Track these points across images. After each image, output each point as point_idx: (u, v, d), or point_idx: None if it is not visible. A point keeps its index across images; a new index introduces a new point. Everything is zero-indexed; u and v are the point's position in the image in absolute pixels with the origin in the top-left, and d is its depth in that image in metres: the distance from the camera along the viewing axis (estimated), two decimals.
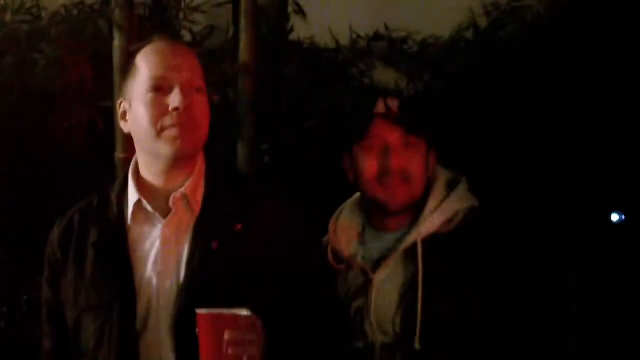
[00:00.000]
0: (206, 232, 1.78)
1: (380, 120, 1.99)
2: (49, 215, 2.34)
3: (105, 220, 1.87)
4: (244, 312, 1.62)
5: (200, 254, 1.77)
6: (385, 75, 2.91)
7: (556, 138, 2.68)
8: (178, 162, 1.81)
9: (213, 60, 2.74)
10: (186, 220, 1.81)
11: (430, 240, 1.96)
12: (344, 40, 2.95)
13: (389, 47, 2.95)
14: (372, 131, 2.00)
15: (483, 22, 2.92)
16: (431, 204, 2.00)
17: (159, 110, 1.77)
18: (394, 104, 2.00)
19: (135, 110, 1.82)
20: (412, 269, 1.95)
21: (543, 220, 2.56)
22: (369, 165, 2.00)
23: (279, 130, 2.71)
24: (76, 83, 2.79)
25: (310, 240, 1.89)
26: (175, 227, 1.81)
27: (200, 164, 1.86)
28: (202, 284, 1.74)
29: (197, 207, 1.81)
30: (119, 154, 2.58)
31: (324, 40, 2.94)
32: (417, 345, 1.89)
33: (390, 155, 1.97)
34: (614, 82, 2.66)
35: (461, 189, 2.04)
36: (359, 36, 2.95)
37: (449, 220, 1.98)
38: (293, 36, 2.89)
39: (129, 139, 2.50)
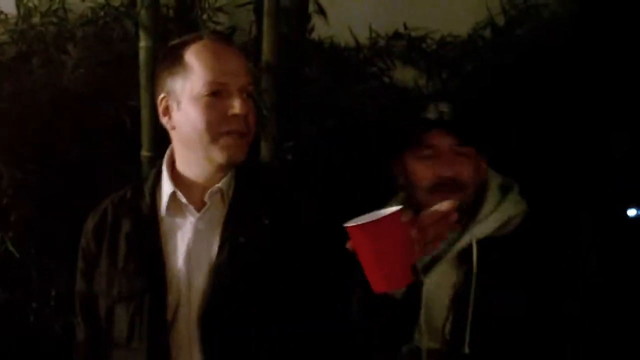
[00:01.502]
0: (236, 226, 1.81)
1: (432, 126, 1.97)
2: (77, 212, 2.41)
3: (138, 212, 1.88)
4: (394, 208, 1.53)
5: (230, 248, 1.79)
6: (404, 74, 2.95)
7: (574, 136, 2.69)
8: (228, 169, 1.82)
9: None
10: (220, 214, 1.84)
11: (485, 243, 1.93)
12: (364, 40, 2.98)
13: (407, 45, 2.97)
14: (425, 138, 1.99)
15: (500, 21, 2.94)
16: (486, 207, 1.98)
17: (217, 114, 1.76)
18: (446, 110, 1.99)
19: (186, 110, 1.80)
20: (464, 271, 1.93)
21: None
22: (422, 173, 1.99)
23: (301, 128, 2.74)
24: (103, 83, 2.84)
25: (335, 234, 1.91)
26: (208, 220, 1.83)
27: None
28: (230, 278, 1.76)
29: (229, 201, 1.84)
30: (145, 152, 2.62)
31: (344, 39, 2.96)
32: (466, 350, 1.87)
33: (444, 164, 1.96)
34: (631, 80, 2.67)
35: (514, 193, 2.02)
36: (378, 35, 2.98)
37: (504, 224, 1.96)
38: (314, 36, 2.92)
39: (155, 138, 2.61)
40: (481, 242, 1.93)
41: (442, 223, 1.53)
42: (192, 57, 1.81)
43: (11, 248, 2.58)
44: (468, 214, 1.98)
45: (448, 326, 1.91)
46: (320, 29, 2.92)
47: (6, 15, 2.88)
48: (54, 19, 2.91)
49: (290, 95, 2.71)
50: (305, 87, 2.78)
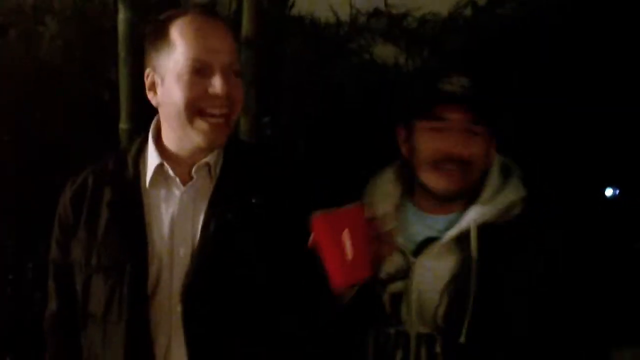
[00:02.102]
0: (222, 202, 1.79)
1: (448, 99, 1.83)
2: (54, 183, 2.38)
3: (121, 182, 1.85)
4: (360, 203, 1.56)
5: (216, 223, 1.78)
6: (384, 51, 2.95)
7: (557, 117, 2.70)
8: (207, 151, 1.78)
9: None
10: (205, 188, 1.82)
11: (485, 229, 1.84)
12: (344, 16, 2.97)
13: (388, 23, 2.97)
14: (438, 110, 1.84)
15: (481, 0, 2.95)
16: (487, 191, 1.88)
17: (197, 93, 1.72)
18: (467, 85, 1.84)
19: (168, 87, 1.76)
20: (462, 257, 1.84)
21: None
22: (429, 145, 1.85)
23: (280, 103, 2.74)
24: (81, 56, 2.82)
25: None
26: (194, 194, 1.81)
27: None
28: (215, 253, 1.74)
29: (216, 176, 1.82)
30: (123, 125, 2.61)
31: (325, 16, 2.95)
32: (462, 339, 1.79)
33: (455, 139, 1.83)
34: (615, 59, 2.68)
35: (515, 178, 1.92)
36: (358, 12, 2.97)
37: (505, 210, 1.86)
38: (294, 11, 2.90)
39: (133, 111, 2.60)
40: (481, 228, 1.84)
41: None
42: (177, 32, 1.77)
43: None
44: (467, 196, 1.88)
45: (441, 311, 1.83)
46: (300, 5, 2.92)
47: None
48: None
49: (269, 70, 2.70)
50: (284, 62, 2.76)
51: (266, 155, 1.93)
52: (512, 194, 1.88)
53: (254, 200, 1.78)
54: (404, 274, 1.87)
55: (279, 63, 2.75)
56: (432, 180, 1.85)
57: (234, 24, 2.72)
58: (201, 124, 1.74)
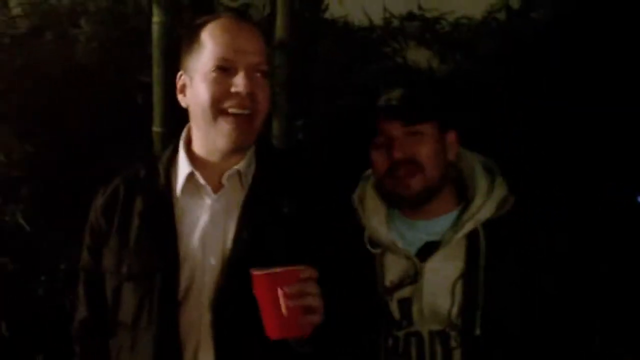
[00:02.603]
0: (254, 211, 1.79)
1: (383, 114, 1.96)
2: (87, 186, 2.39)
3: (152, 190, 1.85)
4: (303, 267, 1.62)
5: (248, 232, 1.77)
6: (417, 55, 2.93)
7: (586, 121, 2.68)
8: (232, 154, 1.80)
9: None
10: (237, 196, 1.81)
11: (488, 226, 1.93)
12: (378, 20, 2.96)
13: (421, 26, 2.95)
14: (379, 126, 1.97)
15: (515, 4, 2.92)
16: (480, 191, 1.97)
17: (220, 90, 1.74)
18: (395, 96, 1.97)
19: (196, 86, 1.78)
20: (467, 255, 1.92)
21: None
22: (377, 159, 1.98)
23: (313, 106, 2.74)
24: (115, 58, 2.84)
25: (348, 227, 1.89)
26: (225, 202, 1.81)
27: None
28: (247, 262, 1.73)
29: (248, 184, 1.82)
30: (156, 128, 2.62)
31: (358, 19, 2.95)
32: (477, 331, 1.87)
33: (393, 147, 1.94)
34: None
35: (499, 175, 2.01)
36: (392, 15, 2.96)
37: (501, 205, 1.96)
38: (327, 14, 2.90)
39: (167, 114, 2.61)
40: (484, 225, 1.93)
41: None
42: (206, 34, 1.80)
43: (21, 221, 2.58)
44: (463, 198, 1.98)
45: (455, 309, 1.90)
46: (334, 8, 2.91)
47: None
48: None
49: (302, 74, 2.69)
50: (318, 66, 2.76)
51: (299, 161, 1.93)
52: (502, 189, 1.97)
53: (286, 209, 1.78)
54: (412, 279, 1.94)
55: (311, 66, 2.74)
56: (394, 187, 1.96)
57: (267, 28, 2.73)
58: (224, 124, 1.74)
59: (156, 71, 2.62)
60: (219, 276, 1.75)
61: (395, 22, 2.96)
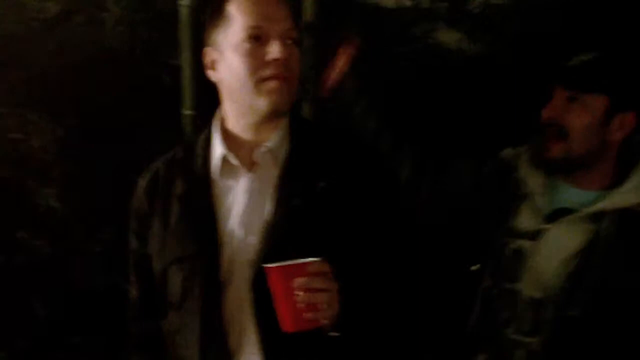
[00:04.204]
0: (289, 188, 1.78)
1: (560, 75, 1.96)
2: (118, 168, 2.41)
3: (190, 173, 1.85)
4: (313, 261, 1.63)
5: (283, 209, 1.77)
6: (448, 37, 2.90)
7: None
8: (272, 117, 1.80)
9: None
10: (271, 174, 1.81)
11: (622, 213, 1.88)
12: (407, 1, 2.93)
13: (451, 7, 2.92)
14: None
15: None
16: (634, 179, 1.91)
17: (257, 60, 1.73)
18: (575, 60, 1.96)
19: (229, 60, 1.77)
20: (592, 233, 1.88)
21: None
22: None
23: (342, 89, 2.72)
24: (143, 41, 2.84)
25: (396, 202, 1.87)
26: (260, 181, 1.81)
27: (286, 118, 1.84)
28: (283, 240, 1.74)
29: (282, 161, 1.82)
30: (186, 111, 2.62)
31: (387, 1, 2.92)
32: (576, 312, 1.85)
33: (547, 107, 1.95)
34: None
35: None
36: None
37: None
38: None
39: (196, 96, 2.61)
40: (620, 212, 1.88)
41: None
42: (234, 6, 1.78)
43: (54, 203, 2.59)
44: (610, 176, 1.94)
45: (560, 280, 1.87)
46: None
47: None
48: None
49: (331, 56, 2.67)
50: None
51: (336, 137, 1.91)
52: None
53: (321, 185, 1.77)
54: (533, 236, 1.92)
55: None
56: (541, 150, 1.96)
57: (296, 10, 2.71)
58: (266, 86, 1.74)
59: (184, 53, 2.62)
60: (258, 255, 1.75)
61: (425, 3, 2.93)
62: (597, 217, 1.88)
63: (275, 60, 1.72)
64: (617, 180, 1.93)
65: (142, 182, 1.92)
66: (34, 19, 2.82)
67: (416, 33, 2.89)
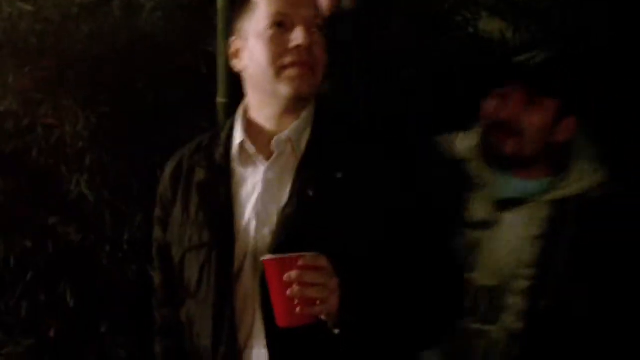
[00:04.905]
0: (307, 178, 1.75)
1: (516, 72, 2.05)
2: (151, 157, 2.39)
3: (211, 161, 1.85)
4: (307, 254, 1.60)
5: (299, 200, 1.74)
6: (490, 25, 2.82)
7: None
8: (294, 104, 1.76)
9: None
10: (290, 164, 1.78)
11: (577, 199, 1.98)
12: None
13: None
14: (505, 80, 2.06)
15: None
16: (582, 167, 2.00)
17: (279, 47, 1.71)
18: (535, 59, 2.04)
19: (252, 47, 1.75)
20: (550, 221, 1.97)
21: None
22: (486, 112, 2.07)
23: (379, 80, 2.66)
24: (180, 28, 2.81)
25: (415, 195, 1.83)
26: (278, 170, 1.78)
27: (309, 108, 1.81)
28: (297, 232, 1.71)
29: (301, 152, 1.78)
30: (220, 99, 2.59)
31: None
32: (545, 299, 1.93)
33: (503, 107, 2.02)
34: None
35: (603, 164, 2.04)
36: None
37: (594, 188, 1.99)
38: None
39: (231, 85, 2.57)
40: (574, 198, 1.98)
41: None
42: None
43: (85, 190, 2.59)
44: (559, 171, 2.02)
45: (516, 267, 1.94)
46: None
47: None
48: None
49: (370, 46, 2.62)
50: (388, 38, 2.67)
51: (358, 129, 1.87)
52: (601, 176, 2.01)
53: (339, 176, 1.73)
54: (487, 225, 2.01)
55: (381, 38, 2.66)
56: (493, 144, 2.03)
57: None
58: (288, 73, 1.71)
59: (220, 41, 2.58)
60: (271, 245, 1.73)
61: None
62: (553, 204, 1.98)
63: (298, 46, 1.69)
64: (555, 171, 2.04)
65: (168, 170, 1.94)
66: (72, 4, 2.80)
67: (458, 21, 2.81)
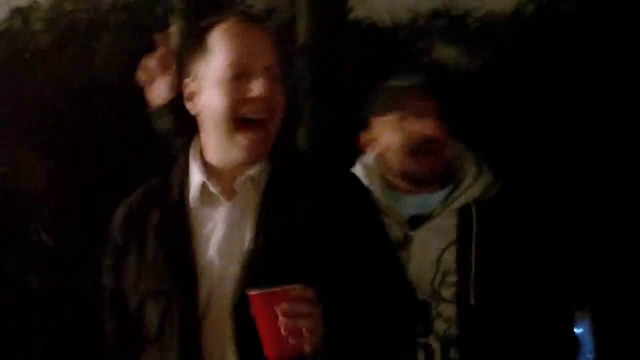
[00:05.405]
0: (270, 215, 1.73)
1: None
2: (111, 200, 2.35)
3: (166, 203, 1.81)
4: (295, 286, 1.61)
5: (263, 238, 1.72)
6: (445, 53, 2.86)
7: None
8: (251, 162, 1.75)
9: None
10: (251, 202, 1.76)
11: (478, 204, 1.98)
12: (403, 20, 2.90)
13: (448, 24, 2.89)
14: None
15: None
16: (471, 172, 2.01)
17: (236, 97, 1.68)
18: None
19: (207, 94, 1.71)
20: (459, 228, 1.99)
21: None
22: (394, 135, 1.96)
23: (339, 111, 2.67)
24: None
25: (375, 224, 1.83)
26: (240, 209, 1.76)
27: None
28: (264, 268, 1.69)
29: (261, 189, 1.77)
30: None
31: (383, 19, 2.89)
32: (472, 300, 1.94)
33: (419, 122, 1.94)
34: None
35: (485, 165, 2.04)
36: (418, 14, 2.90)
37: (488, 189, 2.01)
38: (351, 16, 2.84)
39: (182, 125, 2.56)
40: (476, 201, 1.99)
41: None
42: (215, 39, 1.72)
43: (45, 238, 2.56)
44: (447, 180, 2.00)
45: (438, 280, 1.97)
46: (358, 9, 2.85)
47: (38, 3, 2.85)
48: (87, 6, 2.89)
49: (327, 78, 2.63)
50: (343, 69, 2.70)
51: (320, 164, 1.86)
52: (489, 176, 2.01)
53: (302, 214, 1.72)
54: (404, 245, 1.98)
55: (337, 70, 2.68)
56: (415, 168, 1.97)
57: (289, 32, 2.67)
58: (240, 138, 1.68)
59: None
60: (237, 284, 1.70)
61: (421, 21, 2.90)
62: (458, 211, 2.00)
63: (256, 98, 1.68)
64: (442, 181, 2.01)
65: (118, 216, 1.87)
66: (24, 50, 2.80)
67: (413, 51, 2.86)
